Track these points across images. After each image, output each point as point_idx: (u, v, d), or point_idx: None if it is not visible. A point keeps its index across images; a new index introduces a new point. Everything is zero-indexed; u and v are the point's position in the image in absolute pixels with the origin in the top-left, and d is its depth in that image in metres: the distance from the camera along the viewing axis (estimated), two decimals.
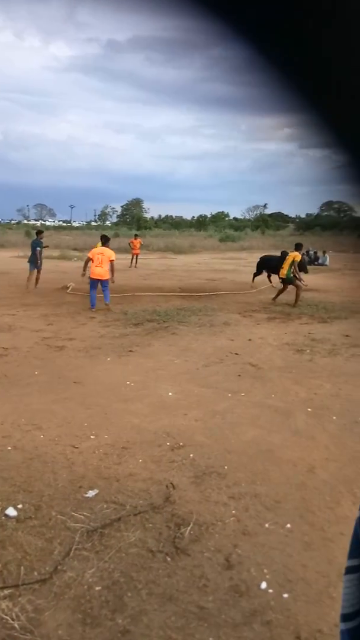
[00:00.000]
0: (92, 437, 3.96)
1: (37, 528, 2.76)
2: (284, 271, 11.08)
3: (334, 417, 4.47)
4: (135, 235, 22.97)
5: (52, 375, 5.56)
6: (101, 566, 2.47)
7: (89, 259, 9.93)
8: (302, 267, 11.30)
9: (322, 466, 3.54)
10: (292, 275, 10.96)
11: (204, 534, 2.74)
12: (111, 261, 9.80)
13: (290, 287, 11.17)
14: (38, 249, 12.37)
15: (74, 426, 4.16)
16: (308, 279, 15.72)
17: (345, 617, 0.96)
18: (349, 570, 0.98)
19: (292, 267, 10.93)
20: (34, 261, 12.34)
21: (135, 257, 20.79)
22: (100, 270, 9.74)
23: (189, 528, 2.78)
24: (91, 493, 3.14)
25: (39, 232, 13.22)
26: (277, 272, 11.72)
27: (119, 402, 4.76)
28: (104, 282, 9.81)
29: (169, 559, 2.53)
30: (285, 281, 11.20)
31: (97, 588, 2.32)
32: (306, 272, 11.74)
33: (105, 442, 3.87)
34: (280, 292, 11.49)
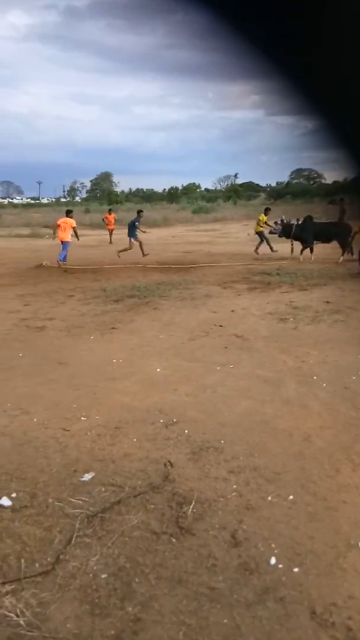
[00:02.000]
0: (82, 418, 3.84)
1: (35, 517, 2.65)
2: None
3: (324, 384, 4.44)
4: (110, 210, 22.28)
5: (35, 357, 5.37)
6: (105, 552, 2.37)
7: (57, 225, 13.16)
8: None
9: (318, 434, 3.51)
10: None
11: (207, 511, 2.67)
12: (73, 227, 12.91)
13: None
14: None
15: (63, 408, 4.02)
16: (283, 247, 15.70)
17: None
18: None
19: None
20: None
21: (110, 232, 20.21)
22: (62, 234, 12.78)
23: (191, 506, 2.70)
24: (87, 476, 3.03)
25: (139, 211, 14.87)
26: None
27: (106, 381, 4.63)
28: (64, 243, 12.69)
29: (174, 539, 2.45)
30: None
31: (103, 576, 2.23)
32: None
33: (97, 423, 3.75)
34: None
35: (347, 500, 2.72)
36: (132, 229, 13.93)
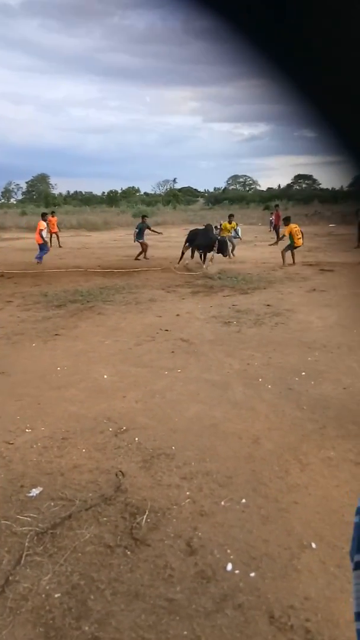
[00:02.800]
0: (27, 430, 3.67)
1: None
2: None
3: (269, 386, 4.52)
4: (52, 213, 21.54)
5: None
6: (57, 570, 2.27)
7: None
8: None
9: (266, 436, 3.56)
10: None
11: (161, 520, 2.62)
12: (40, 230, 13.54)
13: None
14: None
15: (6, 420, 3.83)
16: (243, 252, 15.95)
17: (358, 616, 0.87)
18: (358, 566, 0.89)
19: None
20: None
21: (54, 235, 19.47)
22: (36, 236, 13.82)
23: (145, 516, 2.65)
24: (35, 491, 2.89)
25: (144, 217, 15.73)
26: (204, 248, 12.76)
27: (51, 389, 4.47)
28: (39, 245, 13.60)
29: (128, 552, 2.39)
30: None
31: (57, 595, 2.13)
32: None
33: (43, 435, 3.60)
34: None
35: (298, 501, 2.77)
36: (140, 233, 14.48)
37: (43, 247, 13.68)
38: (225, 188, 77.78)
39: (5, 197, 71.92)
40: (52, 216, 20.32)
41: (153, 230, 15.51)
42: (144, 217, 16.07)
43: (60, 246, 18.73)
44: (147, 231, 14.94)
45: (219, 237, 12.95)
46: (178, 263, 13.01)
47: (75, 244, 20.92)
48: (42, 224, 13.75)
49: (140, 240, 14.56)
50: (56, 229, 19.75)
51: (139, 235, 14.55)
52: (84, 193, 73.01)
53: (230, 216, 15.42)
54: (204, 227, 13.36)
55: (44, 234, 13.87)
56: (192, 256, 13.19)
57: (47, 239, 14.68)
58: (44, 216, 14.33)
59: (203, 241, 12.69)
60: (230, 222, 14.96)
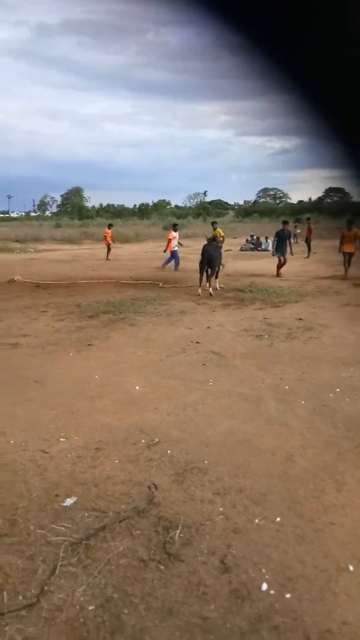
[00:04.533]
0: (61, 439, 3.71)
1: (16, 546, 2.51)
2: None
3: (303, 402, 4.45)
4: (110, 225, 21.59)
5: (9, 375, 5.19)
6: (91, 582, 2.27)
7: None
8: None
9: (300, 454, 3.49)
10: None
11: (195, 535, 2.60)
12: (170, 239, 14.75)
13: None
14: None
15: (41, 429, 3.88)
16: (254, 265, 15.95)
17: None
18: None
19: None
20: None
21: (108, 248, 19.51)
22: (168, 245, 14.94)
23: (178, 531, 2.62)
24: (69, 501, 2.91)
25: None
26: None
27: (85, 400, 4.51)
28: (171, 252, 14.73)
29: (162, 567, 2.37)
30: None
31: (91, 607, 2.13)
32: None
33: (77, 444, 3.63)
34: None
35: (335, 522, 2.70)
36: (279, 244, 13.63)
37: (174, 254, 14.68)
38: (255, 201, 77.76)
39: (40, 210, 73.95)
40: (109, 228, 20.42)
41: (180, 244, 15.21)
42: (213, 222, 14.99)
43: (108, 259, 18.86)
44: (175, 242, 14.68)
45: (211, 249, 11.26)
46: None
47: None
48: (172, 234, 14.75)
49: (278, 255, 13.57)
50: (110, 241, 19.76)
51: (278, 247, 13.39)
52: (116, 206, 74.30)
53: (213, 223, 14.65)
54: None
55: (174, 243, 14.72)
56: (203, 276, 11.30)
57: (177, 248, 14.85)
58: (174, 227, 15.47)
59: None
60: (214, 229, 13.58)
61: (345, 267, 13.00)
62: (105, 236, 19.80)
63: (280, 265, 13.65)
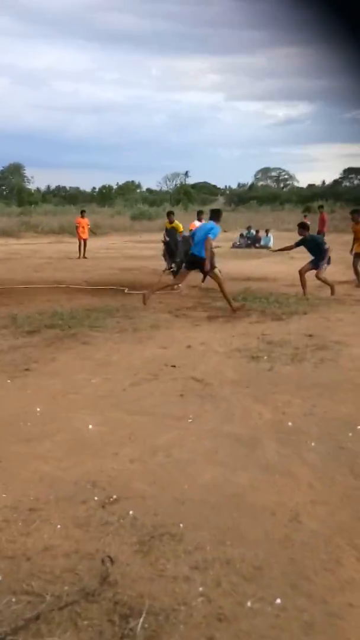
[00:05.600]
0: None
1: None
2: None
3: (313, 444, 4.44)
4: (82, 212, 21.88)
5: None
6: None
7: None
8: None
9: (309, 512, 3.46)
10: None
11: (164, 626, 2.50)
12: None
13: None
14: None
15: None
16: (250, 266, 16.14)
17: None
18: None
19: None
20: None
21: (83, 243, 19.87)
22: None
23: (141, 620, 2.53)
24: None
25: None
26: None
27: (18, 442, 4.42)
28: None
29: None
30: None
31: None
32: None
33: (4, 504, 3.53)
34: None
35: (354, 603, 2.65)
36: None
37: None
38: (252, 184, 79.13)
39: None
40: (82, 217, 20.67)
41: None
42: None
43: (85, 257, 19.07)
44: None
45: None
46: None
47: (55, 253, 21.17)
48: (195, 223, 14.91)
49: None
50: (86, 235, 20.05)
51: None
52: (68, 189, 74.52)
53: (199, 213, 15.73)
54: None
55: None
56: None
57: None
58: (199, 214, 15.63)
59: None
60: (171, 221, 14.69)
61: (357, 270, 13.13)
62: (77, 227, 20.10)
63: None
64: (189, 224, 15.23)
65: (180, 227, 14.36)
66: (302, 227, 12.06)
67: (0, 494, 3.65)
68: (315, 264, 11.71)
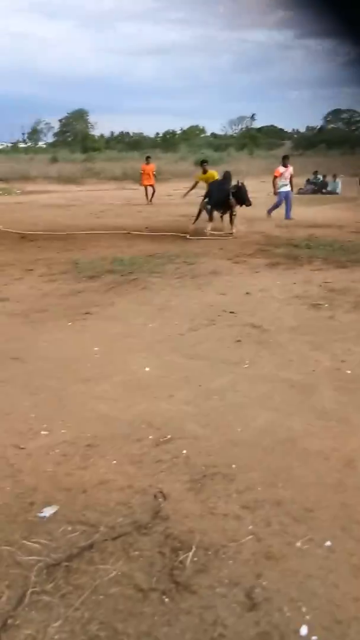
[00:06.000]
0: (43, 432, 3.75)
1: None
2: None
3: None
4: (147, 158, 21.92)
5: None
6: (71, 616, 2.27)
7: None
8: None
9: None
10: None
11: (213, 560, 2.57)
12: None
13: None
14: None
15: (17, 419, 3.93)
16: (315, 212, 15.70)
17: None
18: None
19: None
20: None
21: (149, 188, 20.01)
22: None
23: (190, 553, 2.60)
24: (48, 511, 2.93)
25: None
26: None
27: (77, 383, 4.54)
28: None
29: (166, 599, 2.35)
30: None
31: None
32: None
33: (63, 439, 3.65)
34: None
35: None
36: None
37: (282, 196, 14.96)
38: (322, 127, 75.99)
39: (32, 140, 74.03)
40: (147, 163, 20.72)
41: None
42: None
43: (151, 202, 19.20)
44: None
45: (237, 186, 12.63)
46: (193, 223, 12.80)
47: (117, 199, 21.19)
48: (280, 169, 14.84)
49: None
50: (152, 181, 20.12)
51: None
52: (131, 134, 73.78)
53: (204, 162, 15.15)
54: (222, 177, 13.01)
55: (282, 182, 14.84)
56: (211, 218, 12.83)
57: (287, 189, 15.08)
58: (284, 159, 15.18)
59: (217, 196, 12.44)
60: (204, 172, 14.53)
61: None
62: (141, 173, 20.16)
63: None
64: (254, 169, 14.92)
65: (215, 174, 14.12)
66: None
67: (60, 430, 3.77)
68: None
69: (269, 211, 15.09)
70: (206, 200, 12.62)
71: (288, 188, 15.09)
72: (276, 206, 15.09)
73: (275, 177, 14.97)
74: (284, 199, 14.97)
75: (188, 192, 14.64)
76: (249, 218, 14.29)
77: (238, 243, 11.40)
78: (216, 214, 12.83)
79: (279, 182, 14.87)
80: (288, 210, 15.09)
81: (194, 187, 14.50)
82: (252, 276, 8.42)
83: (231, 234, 12.21)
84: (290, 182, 15.11)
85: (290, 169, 15.05)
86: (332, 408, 4.10)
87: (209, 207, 12.59)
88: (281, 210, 14.95)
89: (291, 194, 15.50)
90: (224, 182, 12.61)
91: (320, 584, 2.42)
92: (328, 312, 6.47)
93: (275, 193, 15.10)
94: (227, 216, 12.84)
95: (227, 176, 12.79)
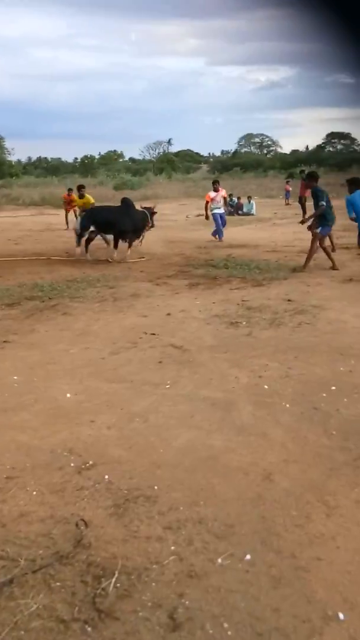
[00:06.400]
0: None
1: None
2: None
3: (287, 405, 4.47)
4: (69, 190, 21.42)
5: None
6: None
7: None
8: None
9: (281, 471, 3.50)
10: None
11: (136, 584, 2.55)
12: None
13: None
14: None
15: None
16: (232, 233, 16.07)
17: None
18: None
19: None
20: None
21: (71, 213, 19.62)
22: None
23: (113, 579, 2.57)
24: None
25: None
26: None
27: None
28: None
29: (89, 628, 2.31)
30: None
31: None
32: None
33: None
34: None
35: (322, 556, 2.70)
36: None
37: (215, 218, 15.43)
38: (236, 151, 78.25)
39: None
40: (69, 195, 20.30)
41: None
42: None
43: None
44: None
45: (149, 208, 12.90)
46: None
47: (35, 225, 20.93)
48: (210, 194, 15.34)
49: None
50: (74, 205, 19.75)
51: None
52: (49, 160, 73.25)
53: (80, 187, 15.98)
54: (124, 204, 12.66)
55: (214, 205, 15.34)
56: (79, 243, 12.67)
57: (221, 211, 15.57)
58: (214, 184, 15.82)
59: (130, 225, 12.18)
60: (81, 197, 15.41)
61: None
62: (64, 202, 20.01)
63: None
64: (173, 192, 15.09)
65: (91, 200, 14.78)
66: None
67: None
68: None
69: (216, 235, 15.72)
70: (123, 229, 12.19)
71: (221, 210, 15.66)
72: (218, 228, 15.60)
73: (207, 202, 15.50)
74: (219, 220, 15.45)
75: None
76: (170, 239, 14.47)
77: (159, 265, 11.50)
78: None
79: (212, 205, 15.37)
80: (219, 233, 15.63)
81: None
82: (172, 297, 8.49)
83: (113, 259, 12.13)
84: (225, 203, 15.85)
85: (223, 191, 15.68)
86: (250, 423, 4.17)
87: (79, 231, 12.62)
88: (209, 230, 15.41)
89: (225, 215, 16.09)
90: (128, 208, 12.41)
91: (241, 598, 2.45)
92: (246, 330, 6.60)
93: (207, 217, 15.66)
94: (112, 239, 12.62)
95: (129, 203, 12.66)
